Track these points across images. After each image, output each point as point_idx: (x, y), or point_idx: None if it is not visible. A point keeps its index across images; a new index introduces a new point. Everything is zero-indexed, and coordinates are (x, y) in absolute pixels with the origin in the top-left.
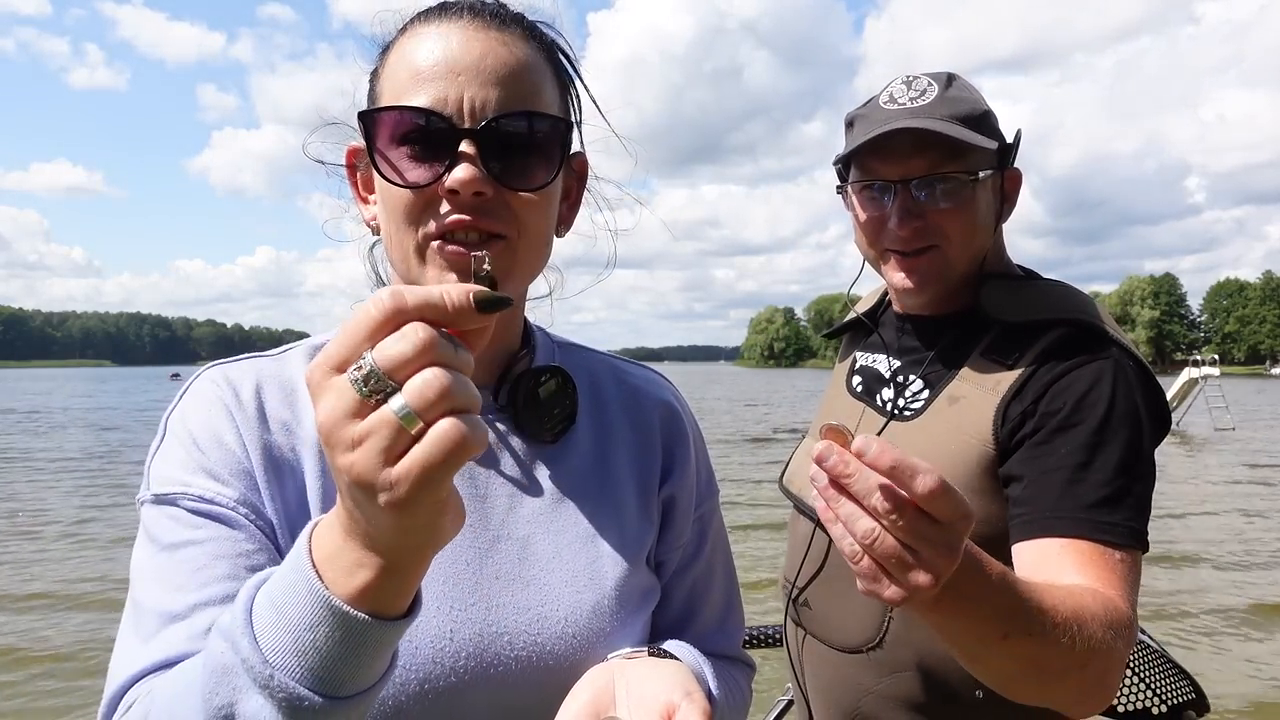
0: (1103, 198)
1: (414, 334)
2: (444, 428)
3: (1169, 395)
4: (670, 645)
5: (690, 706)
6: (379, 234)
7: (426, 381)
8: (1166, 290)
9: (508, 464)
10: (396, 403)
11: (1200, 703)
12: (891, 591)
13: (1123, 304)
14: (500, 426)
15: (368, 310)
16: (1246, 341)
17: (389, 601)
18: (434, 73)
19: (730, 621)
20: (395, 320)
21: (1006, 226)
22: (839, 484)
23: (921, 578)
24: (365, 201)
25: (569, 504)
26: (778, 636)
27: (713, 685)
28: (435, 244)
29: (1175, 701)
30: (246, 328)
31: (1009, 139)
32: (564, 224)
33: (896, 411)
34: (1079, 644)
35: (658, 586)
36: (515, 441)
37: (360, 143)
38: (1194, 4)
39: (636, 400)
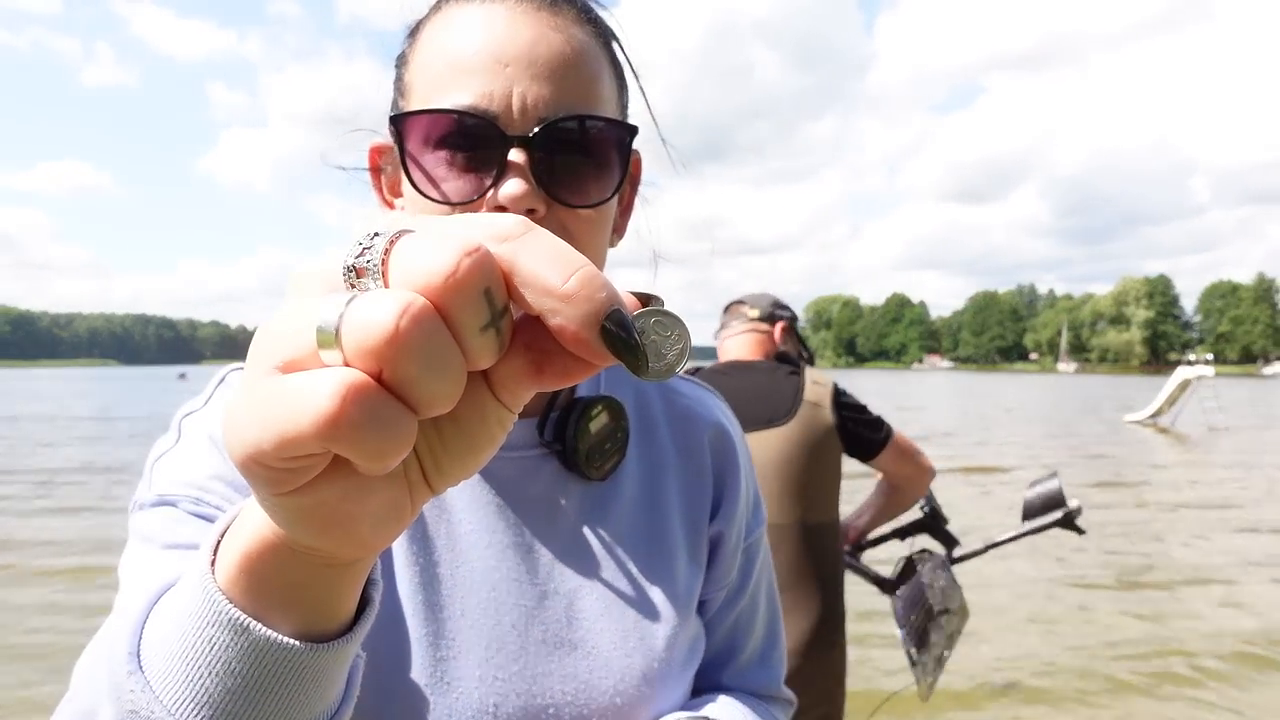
0: (1107, 197)
1: (461, 250)
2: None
3: (1163, 395)
4: (717, 711)
5: None
6: None
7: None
8: (1161, 291)
9: (556, 509)
10: (331, 309)
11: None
12: None
13: (1118, 304)
14: (548, 466)
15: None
16: (1239, 342)
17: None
18: (475, 63)
19: (773, 656)
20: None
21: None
22: None
23: None
24: (392, 207)
25: (617, 551)
26: None
27: None
28: None
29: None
30: (250, 328)
31: None
32: (618, 233)
33: None
34: None
35: (704, 634)
36: (564, 483)
37: (385, 140)
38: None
39: (688, 423)
